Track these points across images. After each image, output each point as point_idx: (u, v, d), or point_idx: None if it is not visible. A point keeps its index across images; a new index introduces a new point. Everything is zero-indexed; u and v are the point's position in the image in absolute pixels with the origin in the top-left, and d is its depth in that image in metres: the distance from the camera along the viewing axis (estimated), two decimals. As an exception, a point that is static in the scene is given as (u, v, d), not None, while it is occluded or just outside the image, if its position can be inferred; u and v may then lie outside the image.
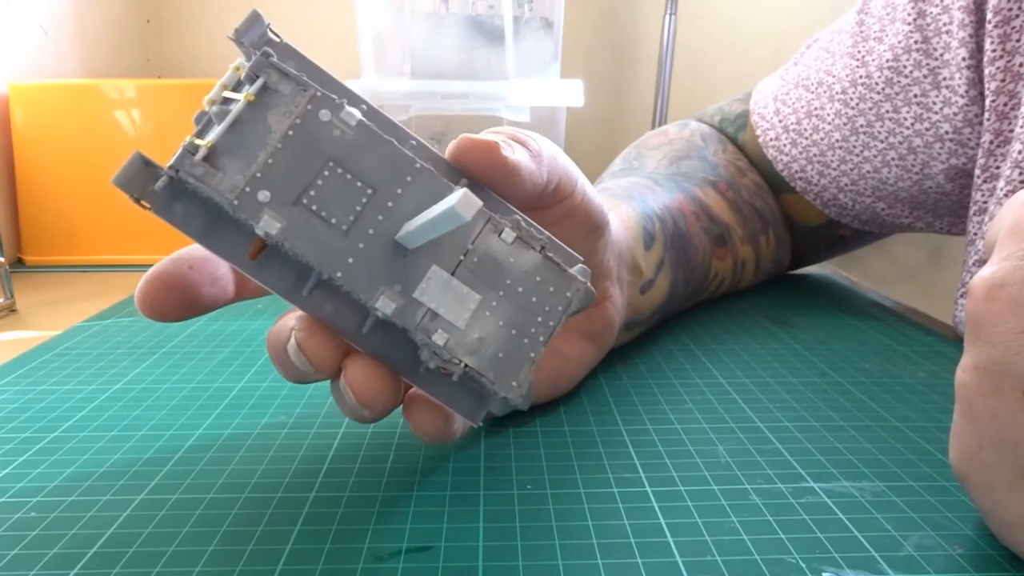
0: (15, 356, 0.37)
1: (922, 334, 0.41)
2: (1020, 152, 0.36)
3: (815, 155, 0.47)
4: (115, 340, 0.39)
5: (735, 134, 0.51)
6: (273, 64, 0.21)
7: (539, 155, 0.24)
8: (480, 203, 0.19)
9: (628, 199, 0.40)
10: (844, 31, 0.46)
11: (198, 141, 0.20)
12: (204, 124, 0.21)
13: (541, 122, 0.76)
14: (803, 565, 0.21)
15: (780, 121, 0.49)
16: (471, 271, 0.22)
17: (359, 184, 0.21)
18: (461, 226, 0.21)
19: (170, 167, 0.20)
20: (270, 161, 0.20)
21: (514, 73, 0.73)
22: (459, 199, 0.18)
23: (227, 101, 0.21)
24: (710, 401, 0.32)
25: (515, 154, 0.23)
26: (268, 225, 0.20)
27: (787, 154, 0.48)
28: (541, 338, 0.22)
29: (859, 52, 0.44)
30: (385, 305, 0.21)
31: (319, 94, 0.21)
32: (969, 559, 0.21)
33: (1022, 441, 0.19)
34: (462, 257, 0.22)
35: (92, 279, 0.55)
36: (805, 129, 0.47)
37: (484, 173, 0.23)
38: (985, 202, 0.39)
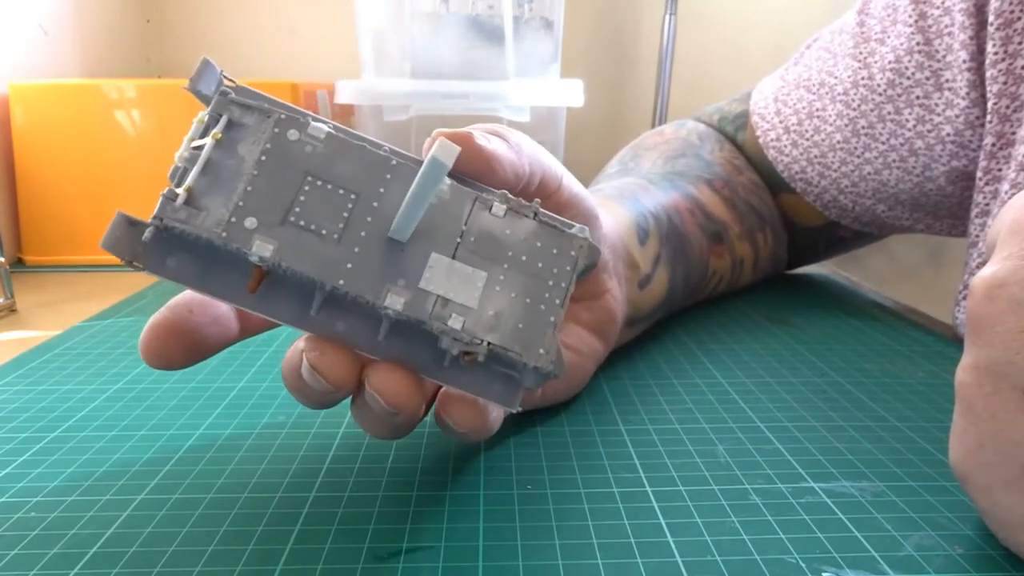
0: (15, 356, 0.37)
1: (922, 334, 0.41)
2: None
3: (816, 156, 0.47)
4: (115, 340, 0.39)
5: (734, 134, 0.51)
6: (233, 100, 0.21)
7: (518, 147, 0.25)
8: (458, 148, 0.19)
9: (620, 198, 0.40)
10: (845, 32, 0.46)
11: (176, 189, 0.20)
12: (180, 174, 0.21)
13: (541, 122, 0.76)
14: (803, 565, 0.21)
15: (781, 122, 0.48)
16: (471, 251, 0.22)
17: (341, 192, 0.21)
18: (451, 210, 0.22)
19: (154, 218, 0.20)
20: (249, 188, 0.20)
21: (514, 73, 0.73)
22: (436, 147, 0.18)
23: (197, 149, 0.21)
24: (710, 401, 0.32)
25: (490, 143, 0.23)
26: (261, 249, 0.20)
27: (787, 155, 0.48)
28: (557, 300, 0.22)
29: (861, 53, 0.44)
30: (394, 301, 0.20)
31: (283, 116, 0.21)
32: (969, 559, 0.21)
33: (1022, 441, 0.19)
34: (459, 240, 0.22)
35: (92, 279, 0.55)
36: (806, 130, 0.47)
37: (463, 163, 0.23)
38: (987, 204, 0.39)
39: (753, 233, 0.48)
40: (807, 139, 0.47)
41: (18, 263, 0.59)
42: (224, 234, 0.20)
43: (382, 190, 0.21)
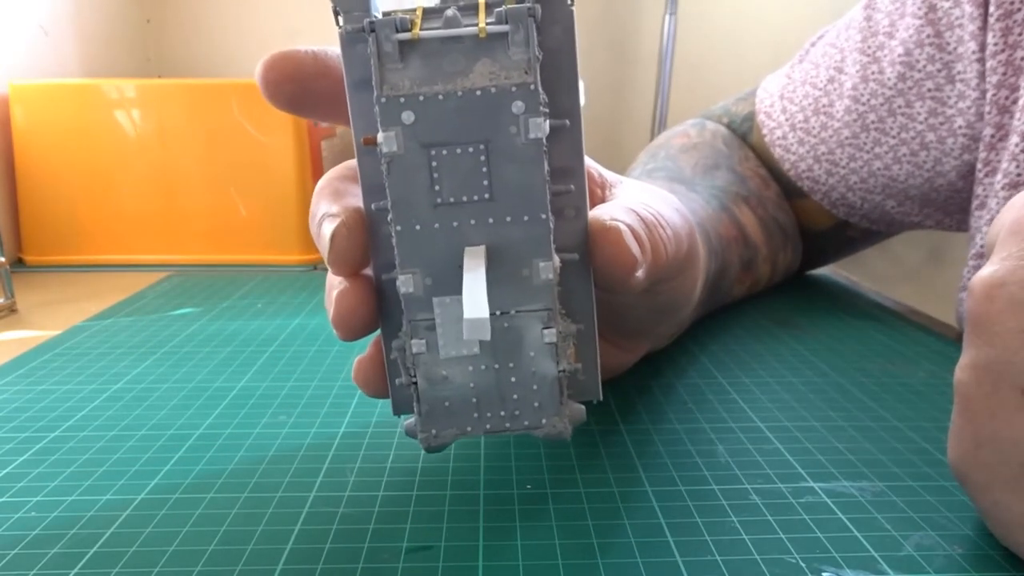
0: (15, 356, 0.37)
1: (922, 334, 0.41)
2: (1017, 145, 0.36)
3: (823, 153, 0.46)
4: (115, 340, 0.39)
5: (744, 137, 0.51)
6: (528, 26, 0.19)
7: (658, 269, 0.23)
8: (487, 338, 0.18)
9: (696, 225, 0.38)
10: (852, 27, 0.46)
11: (415, 22, 0.19)
12: (435, 11, 0.19)
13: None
14: (803, 565, 0.21)
15: (787, 119, 0.48)
16: (494, 330, 0.20)
17: (485, 183, 0.20)
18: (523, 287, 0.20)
19: (371, 22, 0.19)
20: (441, 97, 0.19)
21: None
22: (474, 319, 0.17)
23: (470, 10, 0.19)
24: (710, 401, 0.32)
25: (641, 273, 0.22)
26: (388, 141, 0.19)
27: (794, 153, 0.48)
28: (488, 426, 0.21)
29: (869, 47, 0.44)
30: (406, 284, 0.20)
31: (532, 87, 0.19)
32: (969, 559, 0.21)
33: (1021, 441, 0.19)
34: (497, 313, 0.20)
35: (92, 279, 0.55)
36: (813, 127, 0.47)
37: (602, 272, 0.21)
38: (986, 196, 0.39)
39: (776, 253, 0.47)
40: (814, 136, 0.47)
41: (18, 263, 0.59)
42: (384, 100, 0.19)
43: (509, 220, 0.20)
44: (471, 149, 0.19)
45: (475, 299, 0.18)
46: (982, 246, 0.39)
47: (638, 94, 1.04)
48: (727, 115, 0.53)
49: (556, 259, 0.20)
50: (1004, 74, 0.37)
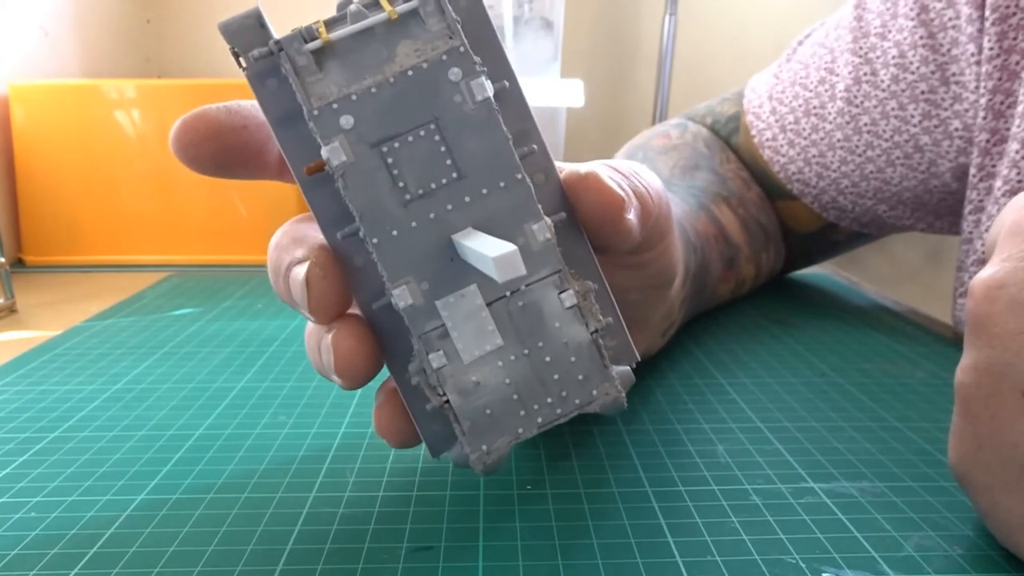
0: (15, 356, 0.37)
1: (922, 334, 0.41)
2: (1018, 152, 0.36)
3: (814, 156, 0.46)
4: (115, 340, 0.39)
5: (728, 138, 0.50)
6: None
7: (647, 217, 0.23)
8: (523, 271, 0.16)
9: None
10: (842, 27, 0.45)
11: (321, 30, 0.18)
12: (339, 17, 0.19)
13: (541, 122, 0.75)
14: (803, 565, 0.21)
15: (777, 121, 0.48)
16: (509, 313, 0.19)
17: (449, 162, 0.18)
18: (530, 262, 0.19)
19: (277, 42, 0.18)
20: (374, 90, 0.18)
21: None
22: (501, 255, 0.16)
23: (374, 5, 0.19)
24: (710, 401, 0.32)
25: (633, 215, 0.21)
26: (334, 153, 0.18)
27: (784, 155, 0.47)
28: (539, 419, 0.20)
29: (861, 49, 0.43)
30: (402, 297, 0.19)
31: (462, 50, 0.18)
32: (969, 559, 0.21)
33: (1021, 442, 0.19)
34: (508, 293, 0.19)
35: (92, 279, 0.55)
36: (804, 129, 0.46)
37: (593, 222, 0.20)
38: (981, 201, 0.39)
39: (759, 253, 0.47)
40: (805, 138, 0.46)
41: (18, 263, 0.59)
42: (316, 112, 0.18)
43: (485, 191, 0.19)
44: (422, 132, 0.18)
45: (488, 244, 0.17)
46: (983, 252, 0.39)
47: (638, 94, 1.04)
48: (711, 115, 0.52)
49: (547, 219, 0.19)
50: (1000, 79, 0.37)
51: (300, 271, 0.19)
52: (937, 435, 0.29)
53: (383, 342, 0.20)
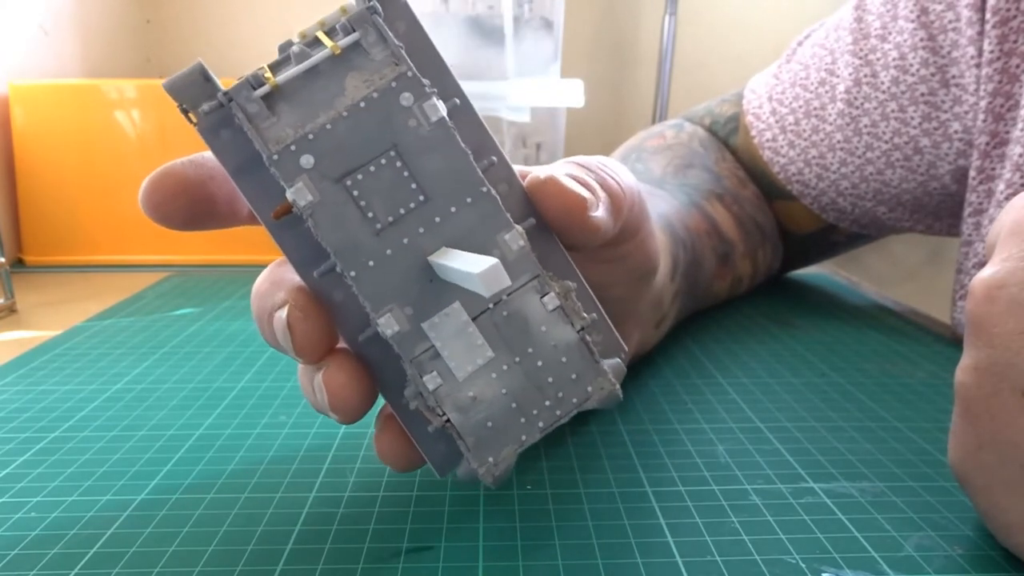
0: (15, 356, 0.37)
1: (922, 334, 0.41)
2: (1020, 155, 0.36)
3: (814, 157, 0.46)
4: (115, 340, 0.39)
5: (727, 138, 0.50)
6: (375, 23, 0.18)
7: (619, 210, 0.23)
8: (508, 283, 0.17)
9: (656, 216, 0.38)
10: (842, 28, 0.45)
11: (267, 75, 0.18)
12: (282, 60, 0.19)
13: (541, 122, 0.75)
14: (803, 565, 0.21)
15: (777, 121, 0.48)
16: (495, 324, 0.19)
17: (413, 186, 0.19)
18: (508, 271, 0.19)
19: (225, 93, 0.18)
20: (329, 127, 0.18)
21: (514, 73, 0.73)
22: (485, 270, 0.16)
23: (316, 43, 0.19)
24: (710, 401, 0.32)
25: (599, 211, 0.21)
26: (299, 194, 0.18)
27: (784, 156, 0.47)
28: (541, 424, 0.20)
29: (861, 50, 0.43)
30: (388, 324, 0.19)
31: (410, 74, 0.18)
32: (969, 559, 0.21)
33: (1021, 442, 0.19)
34: (491, 305, 0.19)
35: (92, 279, 0.55)
36: (804, 130, 0.46)
37: (560, 225, 0.21)
38: (980, 203, 0.39)
39: (755, 250, 0.47)
40: (805, 139, 0.46)
41: (18, 263, 0.59)
42: (276, 156, 0.18)
43: (453, 209, 0.19)
44: (383, 160, 0.19)
45: (468, 261, 0.17)
46: (983, 254, 0.39)
47: (638, 94, 1.04)
48: (710, 116, 0.52)
49: (517, 227, 0.19)
50: (1000, 82, 0.37)
51: (281, 315, 0.19)
52: (937, 435, 0.29)
53: (374, 372, 0.20)
